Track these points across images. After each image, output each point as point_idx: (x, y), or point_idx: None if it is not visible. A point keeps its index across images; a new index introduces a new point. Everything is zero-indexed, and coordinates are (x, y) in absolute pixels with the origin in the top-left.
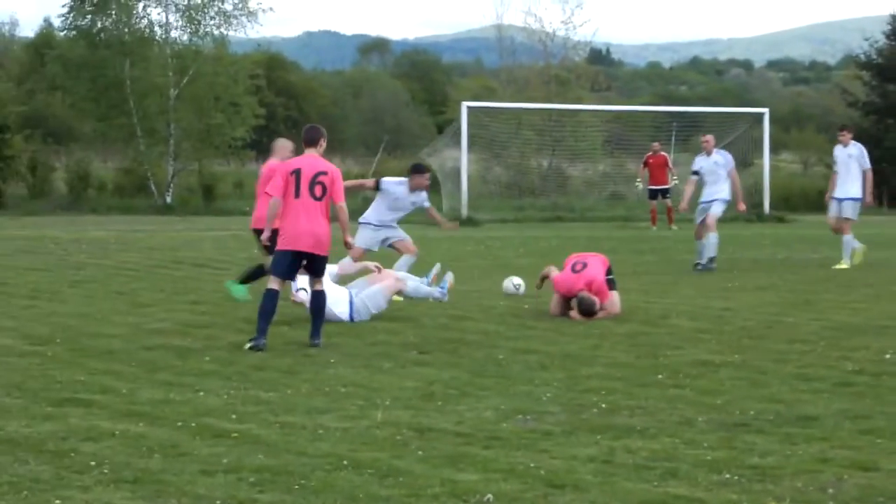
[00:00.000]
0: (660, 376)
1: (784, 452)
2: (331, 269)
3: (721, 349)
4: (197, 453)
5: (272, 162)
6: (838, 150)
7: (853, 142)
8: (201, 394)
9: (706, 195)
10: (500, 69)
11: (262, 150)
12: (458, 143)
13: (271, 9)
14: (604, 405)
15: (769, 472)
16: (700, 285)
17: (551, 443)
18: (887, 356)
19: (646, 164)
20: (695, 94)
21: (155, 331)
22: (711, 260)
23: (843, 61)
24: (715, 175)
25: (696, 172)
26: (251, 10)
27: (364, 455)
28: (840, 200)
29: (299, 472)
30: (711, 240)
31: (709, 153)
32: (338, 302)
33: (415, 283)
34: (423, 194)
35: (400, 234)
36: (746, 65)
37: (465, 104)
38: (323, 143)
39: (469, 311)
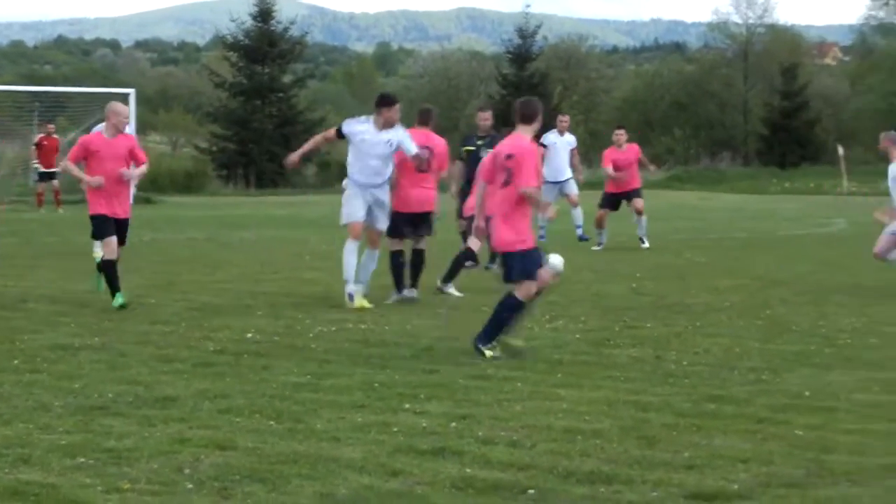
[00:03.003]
0: (16, 361)
1: (142, 434)
2: None
3: (81, 332)
4: None
5: (97, 129)
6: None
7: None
8: None
9: None
10: None
11: None
12: None
13: None
14: None
15: (125, 454)
16: (61, 269)
17: None
18: (248, 335)
19: (38, 145)
20: (60, 74)
21: None
22: None
23: (213, 42)
24: None
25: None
26: None
27: None
28: None
29: None
30: None
31: None
32: None
33: None
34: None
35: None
36: (114, 45)
37: None
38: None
39: None
